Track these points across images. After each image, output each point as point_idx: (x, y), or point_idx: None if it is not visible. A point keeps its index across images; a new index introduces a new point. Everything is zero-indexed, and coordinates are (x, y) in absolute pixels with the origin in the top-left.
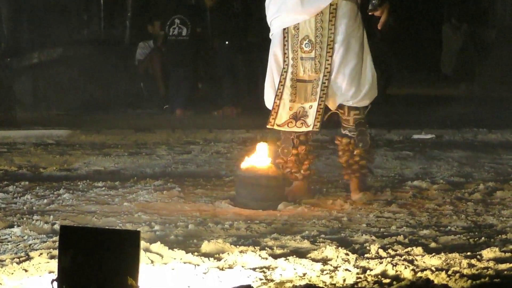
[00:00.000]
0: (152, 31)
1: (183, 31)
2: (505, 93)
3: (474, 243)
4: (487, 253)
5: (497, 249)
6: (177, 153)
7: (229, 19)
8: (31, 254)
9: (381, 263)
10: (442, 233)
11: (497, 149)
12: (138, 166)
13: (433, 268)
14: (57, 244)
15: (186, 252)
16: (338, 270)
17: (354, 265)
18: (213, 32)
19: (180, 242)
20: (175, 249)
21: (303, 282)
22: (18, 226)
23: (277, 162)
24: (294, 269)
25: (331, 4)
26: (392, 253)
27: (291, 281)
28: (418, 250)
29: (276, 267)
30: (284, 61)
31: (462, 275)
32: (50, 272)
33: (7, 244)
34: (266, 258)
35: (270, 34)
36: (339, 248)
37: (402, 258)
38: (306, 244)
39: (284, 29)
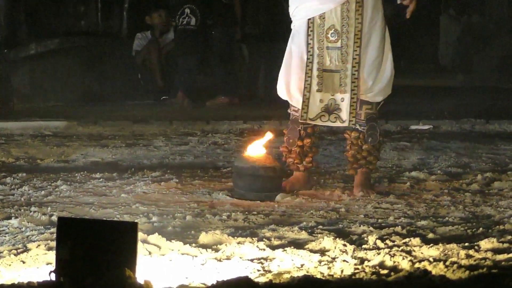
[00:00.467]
0: (150, 22)
1: (192, 21)
2: (503, 84)
3: (472, 233)
4: (485, 243)
5: (495, 239)
6: (175, 144)
7: (228, 9)
8: (29, 245)
9: (379, 254)
10: (440, 224)
11: (494, 139)
12: (135, 157)
13: (431, 259)
14: (54, 235)
15: (184, 243)
16: (335, 261)
17: (352, 256)
18: (215, 22)
19: (177, 233)
20: (172, 241)
21: (301, 273)
22: (16, 217)
23: (281, 149)
24: (292, 260)
25: None
26: (390, 244)
27: (288, 272)
28: (416, 241)
29: (274, 258)
30: (308, 51)
31: (460, 266)
32: (47, 264)
33: (5, 236)
34: (264, 249)
35: (292, 25)
36: (337, 239)
37: (400, 249)
38: (304, 235)
39: (309, 19)
